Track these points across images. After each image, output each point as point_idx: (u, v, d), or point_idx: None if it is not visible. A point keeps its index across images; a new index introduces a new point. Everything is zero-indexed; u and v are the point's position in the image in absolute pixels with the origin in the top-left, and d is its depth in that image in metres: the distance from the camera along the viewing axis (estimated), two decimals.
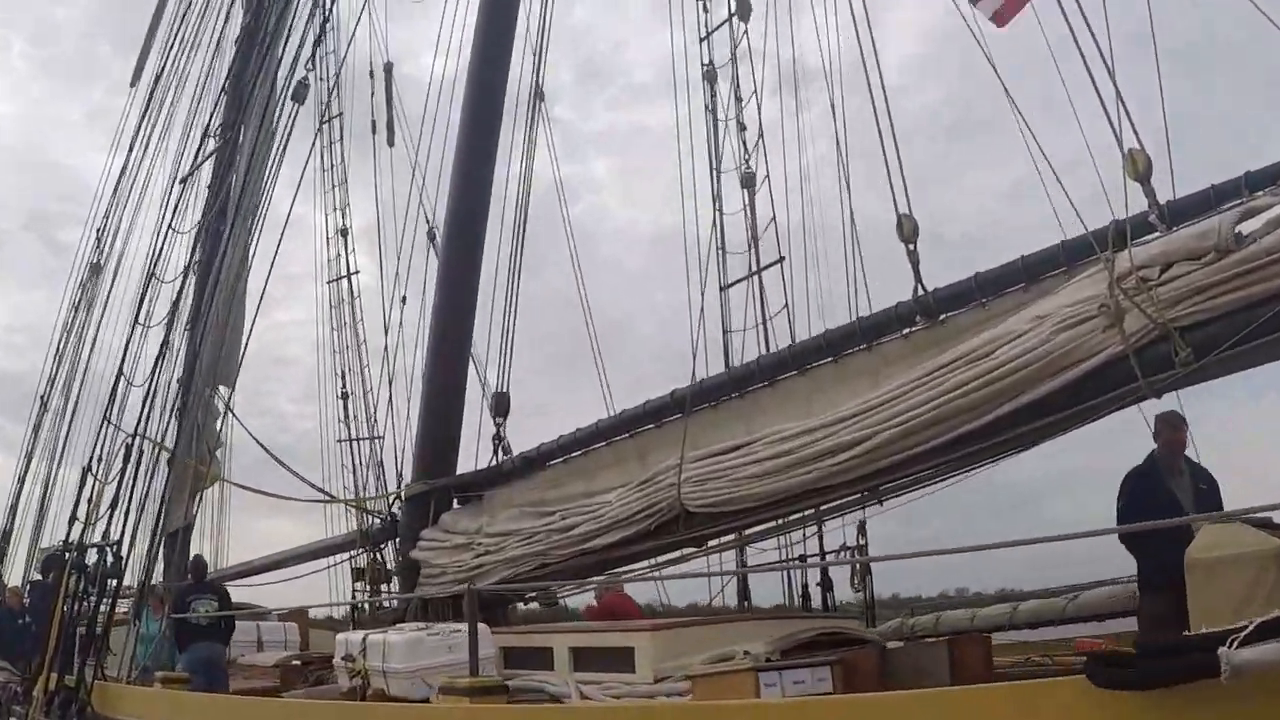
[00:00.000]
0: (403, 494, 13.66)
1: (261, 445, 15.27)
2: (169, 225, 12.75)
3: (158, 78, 18.26)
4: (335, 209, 20.17)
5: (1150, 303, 6.70)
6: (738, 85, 14.00)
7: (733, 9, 14.16)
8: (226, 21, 17.60)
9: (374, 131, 20.18)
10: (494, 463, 12.95)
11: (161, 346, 12.16)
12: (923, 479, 8.53)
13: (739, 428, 9.77)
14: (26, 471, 23.04)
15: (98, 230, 18.80)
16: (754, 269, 13.67)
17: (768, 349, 13.96)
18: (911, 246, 8.73)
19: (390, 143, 19.99)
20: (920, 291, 8.64)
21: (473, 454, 13.32)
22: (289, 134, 11.72)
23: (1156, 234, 7.18)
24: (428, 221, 17.31)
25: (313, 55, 13.07)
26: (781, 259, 13.53)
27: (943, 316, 8.58)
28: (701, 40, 14.70)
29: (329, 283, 20.45)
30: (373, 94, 20.51)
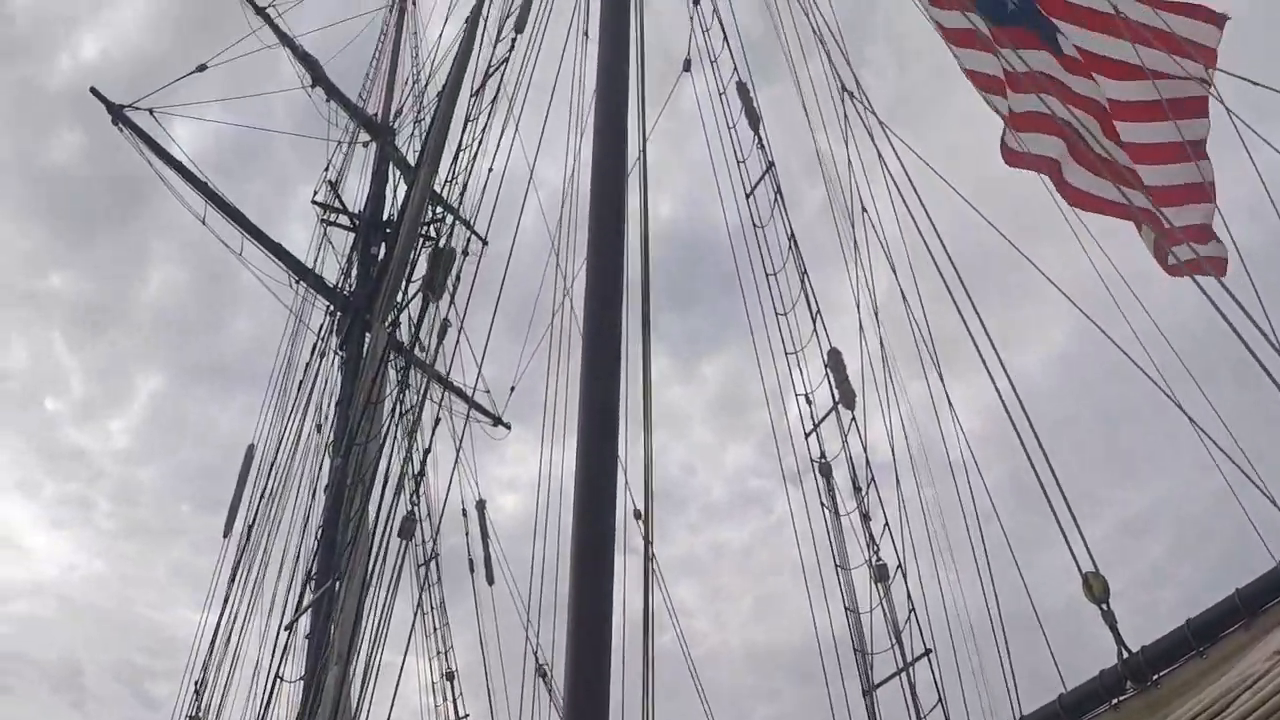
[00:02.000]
0: None
1: None
2: (276, 674, 12.06)
3: (250, 527, 18.46)
4: (438, 652, 19.60)
5: None
6: (854, 474, 13.44)
7: (836, 399, 13.86)
8: (320, 468, 17.92)
9: (471, 570, 20.06)
10: None
11: None
12: None
13: None
14: None
15: (196, 682, 18.37)
16: (902, 665, 12.52)
17: None
18: (1105, 606, 7.71)
19: (490, 581, 19.75)
20: (1124, 654, 7.53)
21: None
22: (399, 572, 11.17)
23: None
24: (537, 658, 16.60)
25: (416, 490, 12.84)
26: (929, 651, 12.44)
27: (1155, 677, 7.43)
28: (807, 435, 14.31)
29: None
30: (466, 533, 20.56)
